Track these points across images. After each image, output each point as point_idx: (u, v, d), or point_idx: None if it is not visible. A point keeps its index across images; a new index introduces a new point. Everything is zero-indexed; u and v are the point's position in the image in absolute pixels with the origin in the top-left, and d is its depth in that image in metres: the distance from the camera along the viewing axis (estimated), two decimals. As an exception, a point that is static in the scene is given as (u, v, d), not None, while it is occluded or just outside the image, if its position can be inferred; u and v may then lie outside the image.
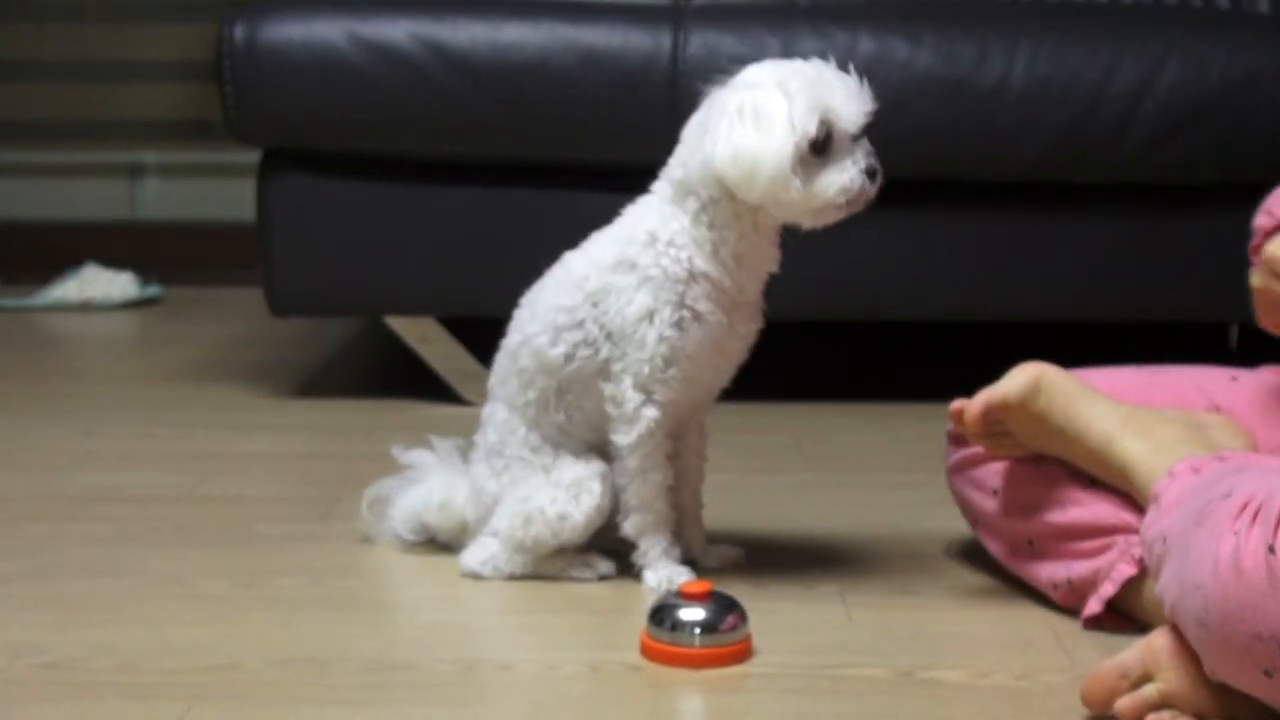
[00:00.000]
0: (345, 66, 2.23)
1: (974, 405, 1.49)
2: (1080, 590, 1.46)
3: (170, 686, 1.33)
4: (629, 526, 1.56)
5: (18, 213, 3.57)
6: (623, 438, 1.53)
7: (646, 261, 1.50)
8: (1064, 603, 1.49)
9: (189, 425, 2.26)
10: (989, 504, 1.56)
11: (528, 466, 1.57)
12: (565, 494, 1.54)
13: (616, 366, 1.52)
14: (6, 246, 3.50)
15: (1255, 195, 1.46)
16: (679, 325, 1.50)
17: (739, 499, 1.82)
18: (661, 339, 1.50)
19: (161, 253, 3.47)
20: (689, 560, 1.59)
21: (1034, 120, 2.20)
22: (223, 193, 3.50)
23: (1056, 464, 1.50)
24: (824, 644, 1.43)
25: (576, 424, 1.57)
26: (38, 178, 3.59)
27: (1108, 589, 1.42)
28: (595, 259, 1.54)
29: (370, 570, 1.64)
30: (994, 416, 1.49)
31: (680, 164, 1.51)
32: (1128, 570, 1.41)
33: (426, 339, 2.37)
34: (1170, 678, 1.21)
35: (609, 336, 1.52)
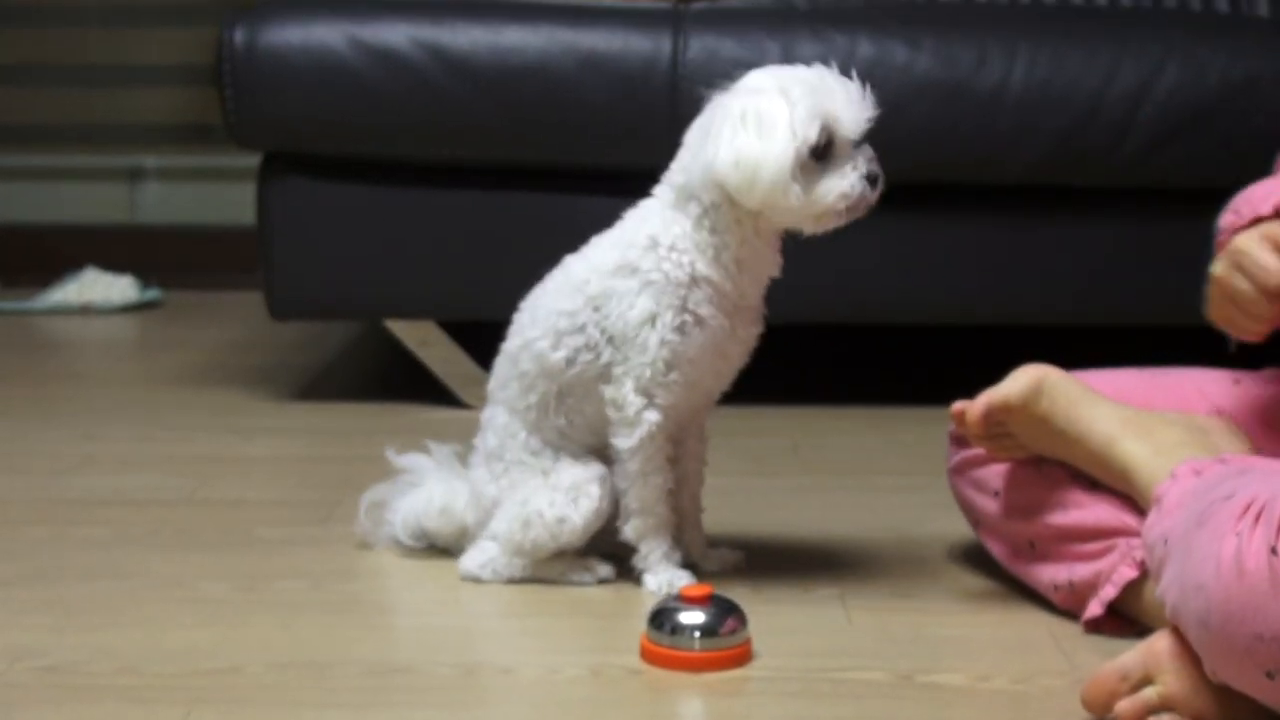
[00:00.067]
0: (345, 70, 2.23)
1: (976, 406, 1.49)
2: (1081, 592, 1.46)
3: (170, 690, 1.33)
4: (629, 530, 1.56)
5: (18, 216, 3.57)
6: (624, 441, 1.53)
7: (648, 266, 1.50)
8: (1064, 605, 1.49)
9: (189, 429, 2.26)
10: (990, 505, 1.56)
11: (527, 470, 1.57)
12: (564, 497, 1.54)
13: (618, 370, 1.52)
14: (6, 250, 3.50)
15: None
16: (681, 329, 1.50)
17: (738, 502, 1.82)
18: (663, 343, 1.50)
19: (161, 256, 3.47)
20: (689, 564, 1.60)
21: (1033, 124, 2.20)
22: (223, 196, 3.50)
23: (1058, 466, 1.50)
24: (824, 647, 1.43)
25: (577, 428, 1.57)
26: (38, 181, 3.59)
27: (1109, 591, 1.42)
28: (596, 263, 1.54)
29: (370, 574, 1.64)
30: (995, 418, 1.49)
31: (682, 168, 1.52)
32: (1129, 573, 1.41)
33: (426, 342, 2.38)
34: (1170, 680, 1.21)
35: (610, 340, 1.52)
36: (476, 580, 1.59)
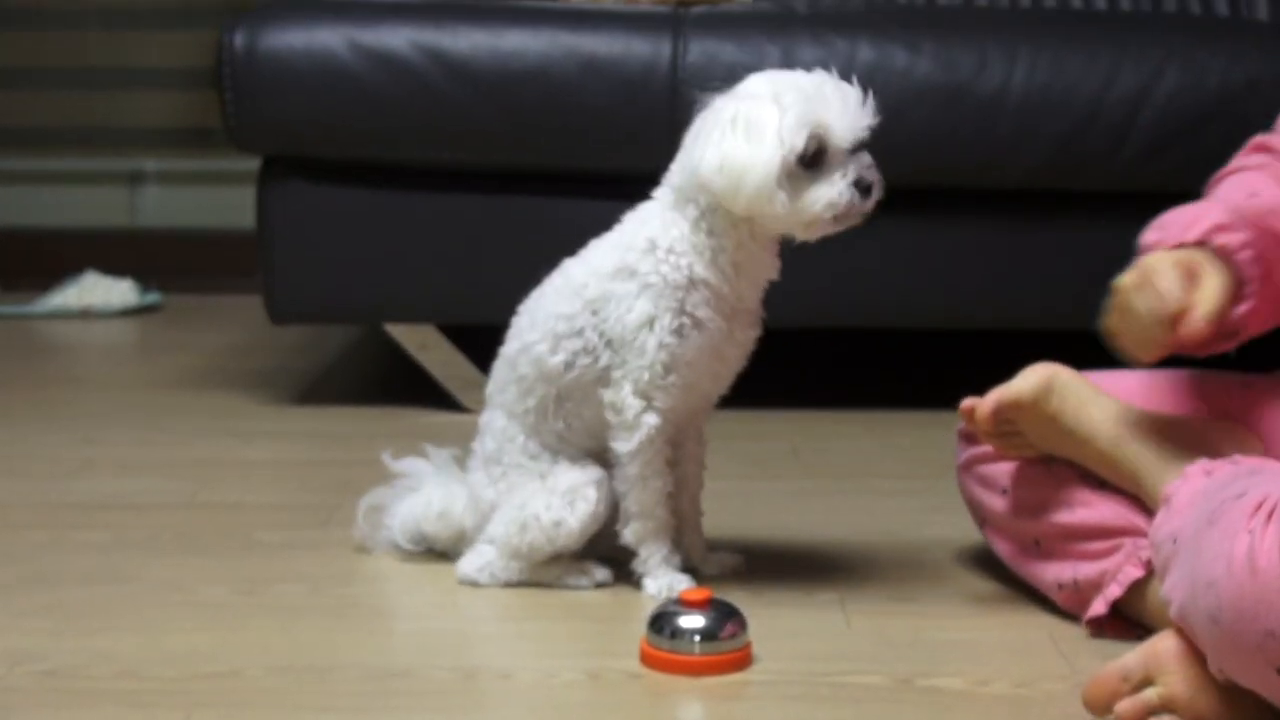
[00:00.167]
0: (346, 74, 2.23)
1: (985, 404, 1.49)
2: (1085, 592, 1.46)
3: (170, 694, 1.33)
4: (629, 534, 1.56)
5: (18, 220, 3.57)
6: (623, 445, 1.53)
7: (646, 268, 1.50)
8: (1067, 605, 1.49)
9: (189, 432, 2.26)
10: (998, 503, 1.56)
11: (525, 474, 1.57)
12: (560, 500, 1.54)
13: (617, 373, 1.52)
14: (6, 253, 3.50)
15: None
16: (679, 332, 1.50)
17: (738, 506, 1.82)
18: (661, 346, 1.50)
19: (161, 260, 3.47)
20: (688, 568, 1.59)
21: (1033, 128, 2.20)
22: (223, 200, 3.50)
23: (1066, 465, 1.50)
24: (823, 651, 1.43)
25: (575, 431, 1.57)
26: (38, 185, 3.59)
27: (1114, 590, 1.42)
28: (595, 266, 1.54)
29: (370, 577, 1.64)
30: (1005, 415, 1.49)
31: (679, 170, 1.52)
32: (1135, 572, 1.41)
33: (426, 346, 2.37)
34: (1172, 682, 1.21)
35: (609, 344, 1.52)
36: (474, 584, 1.59)
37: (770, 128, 1.43)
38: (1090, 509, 1.47)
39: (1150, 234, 1.43)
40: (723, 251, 1.50)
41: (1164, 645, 1.23)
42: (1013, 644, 1.46)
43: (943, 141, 2.21)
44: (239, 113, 2.25)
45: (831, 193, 1.45)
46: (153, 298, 3.29)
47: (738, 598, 1.45)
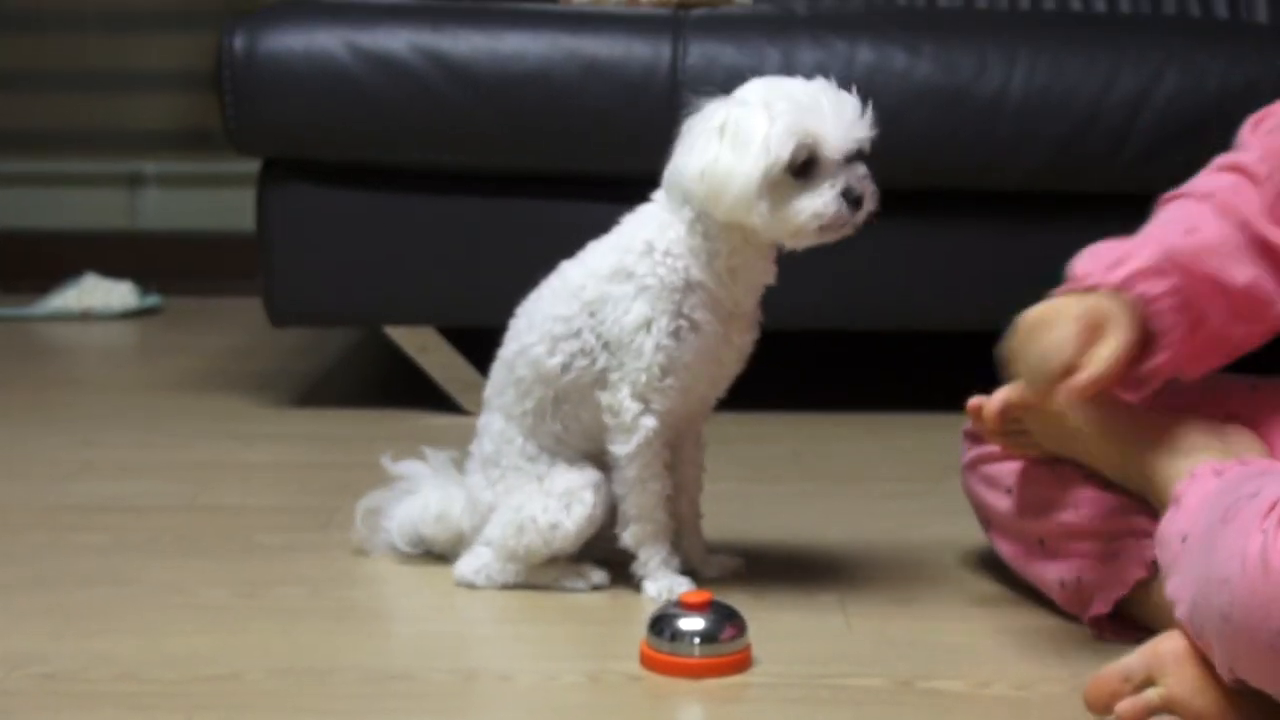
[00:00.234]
0: (345, 76, 2.23)
1: (992, 403, 1.49)
2: (1089, 591, 1.46)
3: (170, 696, 1.33)
4: (628, 537, 1.56)
5: (17, 222, 3.57)
6: (621, 448, 1.53)
7: (643, 271, 1.50)
8: (1069, 605, 1.49)
9: (189, 435, 2.25)
10: (1002, 502, 1.56)
11: (523, 476, 1.57)
12: (557, 503, 1.54)
13: (614, 376, 1.52)
14: (6, 256, 3.50)
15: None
16: (676, 335, 1.50)
17: (738, 509, 1.82)
18: (659, 348, 1.50)
19: (161, 262, 3.47)
20: (688, 570, 1.59)
21: (1033, 130, 2.20)
22: (222, 202, 3.50)
23: (1071, 464, 1.50)
24: (823, 653, 1.43)
25: (573, 434, 1.57)
26: (37, 187, 3.59)
27: (1118, 590, 1.42)
28: (592, 268, 1.54)
29: (370, 580, 1.64)
30: (1012, 415, 1.49)
31: (669, 174, 1.52)
32: (1139, 573, 1.41)
33: (426, 349, 2.37)
34: (1173, 683, 1.21)
35: (606, 346, 1.52)
36: (471, 586, 1.59)
37: (757, 136, 1.42)
38: (1095, 509, 1.47)
39: (1080, 263, 1.42)
40: (718, 255, 1.50)
41: (1166, 646, 1.23)
42: (1013, 646, 1.46)
43: (942, 143, 2.21)
44: (239, 115, 2.25)
45: (817, 203, 1.44)
46: (153, 300, 3.29)
47: (738, 600, 1.45)
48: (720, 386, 1.58)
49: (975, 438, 1.60)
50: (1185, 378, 1.42)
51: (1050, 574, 1.51)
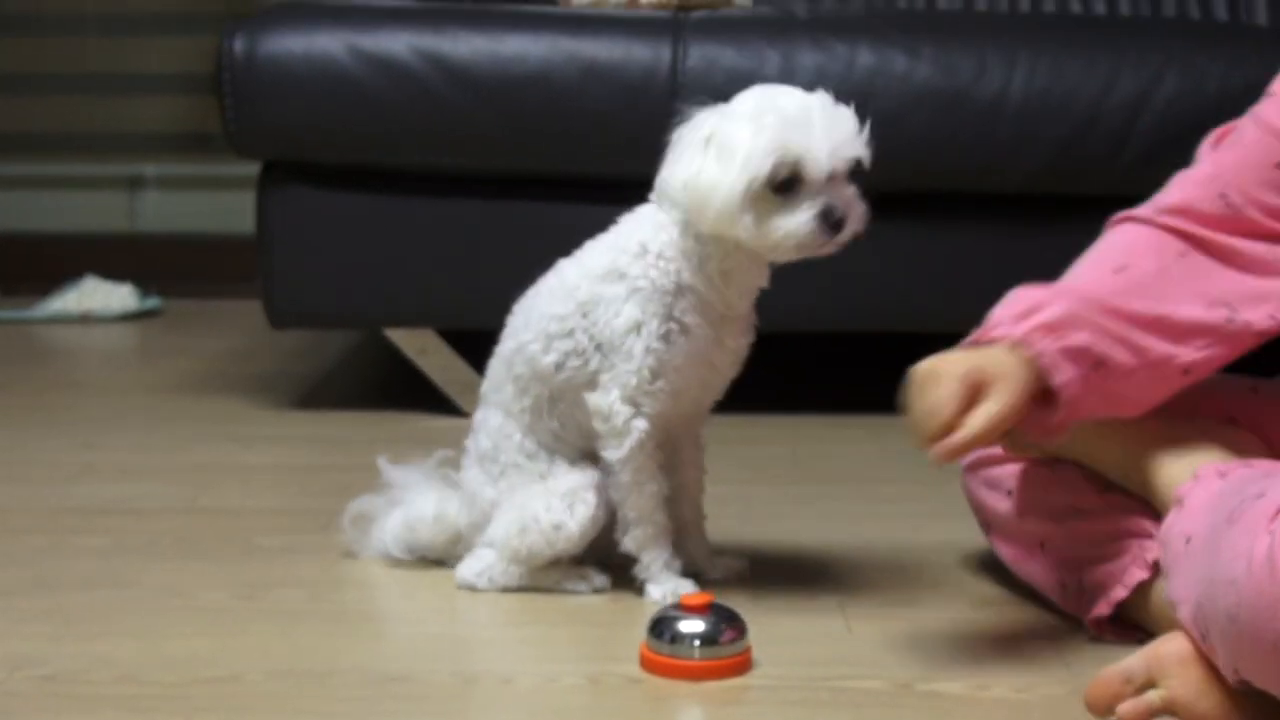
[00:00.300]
0: (345, 79, 2.23)
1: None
2: (1090, 593, 1.46)
3: (170, 699, 1.33)
4: (629, 541, 1.56)
5: (17, 225, 3.57)
6: (614, 453, 1.53)
7: (636, 273, 1.50)
8: (1071, 608, 1.49)
9: (188, 437, 2.26)
10: (1003, 505, 1.56)
11: (523, 473, 1.57)
12: (560, 503, 1.54)
13: (605, 377, 1.52)
14: (6, 258, 3.50)
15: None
16: (666, 338, 1.50)
17: (737, 511, 1.82)
18: (649, 351, 1.50)
19: (161, 265, 3.47)
20: (693, 573, 1.59)
21: (1033, 133, 2.20)
22: (222, 205, 3.51)
23: (1073, 467, 1.50)
24: (823, 656, 1.43)
25: (570, 431, 1.57)
26: (38, 190, 3.59)
27: (1119, 592, 1.42)
28: (587, 268, 1.54)
29: (369, 582, 1.64)
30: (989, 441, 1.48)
31: (659, 180, 1.51)
32: (1140, 574, 1.41)
33: (425, 351, 2.37)
34: (1175, 685, 1.21)
35: (599, 348, 1.52)
36: (472, 589, 1.59)
37: (741, 150, 1.41)
38: (1096, 511, 1.47)
39: (997, 308, 1.42)
40: (710, 259, 1.49)
41: (1167, 648, 1.23)
42: (1013, 648, 1.45)
43: (942, 146, 2.21)
44: (239, 118, 2.25)
45: (792, 223, 1.43)
46: (152, 303, 3.29)
47: (738, 602, 1.45)
48: (714, 390, 1.57)
49: None
50: (1124, 415, 1.42)
51: (1051, 576, 1.51)
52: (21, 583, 1.62)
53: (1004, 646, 1.46)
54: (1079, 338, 1.36)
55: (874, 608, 1.55)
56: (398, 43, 2.23)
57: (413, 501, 1.66)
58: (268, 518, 1.86)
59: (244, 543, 1.76)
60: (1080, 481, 1.49)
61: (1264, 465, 1.32)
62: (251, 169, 2.37)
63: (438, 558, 1.66)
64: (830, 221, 1.43)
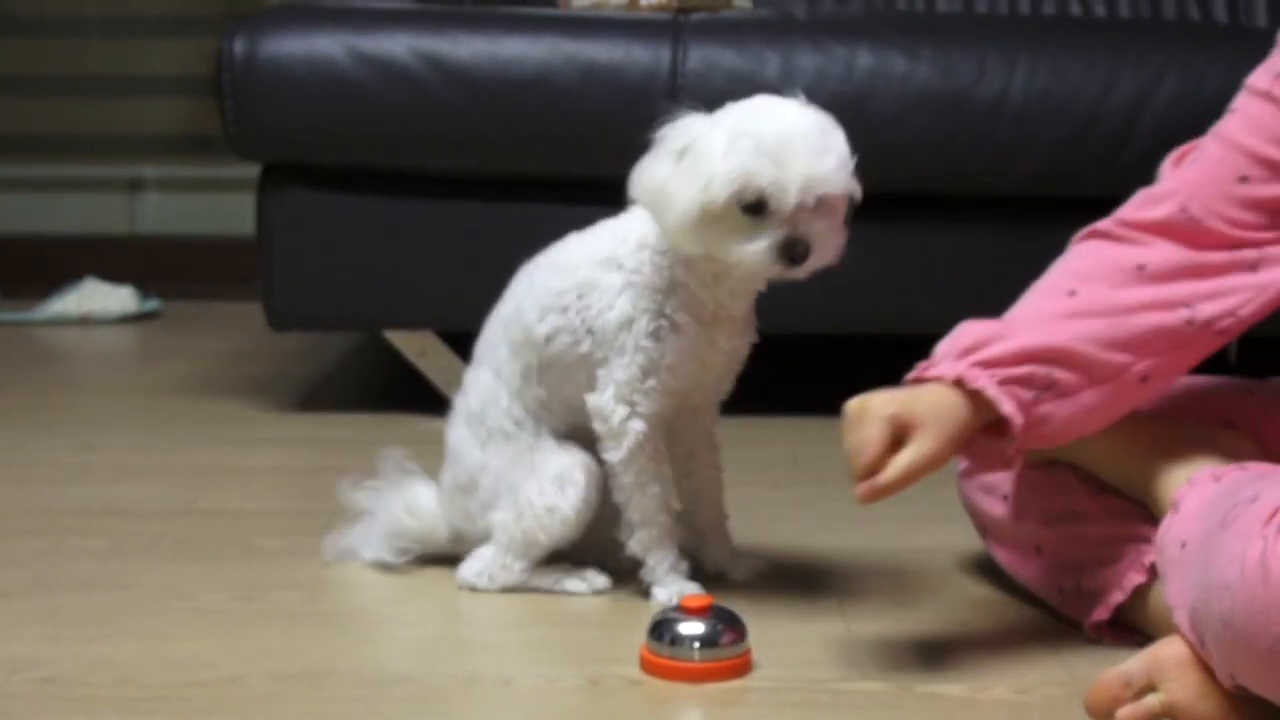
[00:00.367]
0: (345, 81, 2.23)
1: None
2: (1087, 597, 1.46)
3: (169, 701, 1.33)
4: (634, 544, 1.56)
5: (17, 227, 3.57)
6: (613, 454, 1.53)
7: (632, 265, 1.50)
8: (1069, 611, 1.49)
9: (188, 439, 2.26)
10: (999, 510, 1.56)
11: (511, 443, 1.57)
12: (551, 486, 1.54)
13: (600, 372, 1.52)
14: (6, 260, 3.51)
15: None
16: (656, 335, 1.50)
17: (738, 513, 1.81)
18: (639, 349, 1.50)
19: (161, 267, 3.47)
20: (716, 574, 1.60)
21: (1032, 134, 2.20)
22: (222, 207, 3.51)
23: (1069, 470, 1.50)
24: (823, 658, 1.43)
25: (556, 403, 1.57)
26: (38, 192, 3.59)
27: (1116, 596, 1.42)
28: (590, 250, 1.54)
29: (369, 584, 1.64)
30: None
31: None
32: (1137, 578, 1.41)
33: (425, 353, 2.37)
34: (1174, 689, 1.21)
35: (590, 332, 1.53)
36: (474, 589, 1.59)
37: (706, 170, 1.39)
38: (1093, 515, 1.47)
39: (942, 343, 1.42)
40: (699, 259, 1.48)
41: (1166, 652, 1.23)
42: (1013, 650, 1.45)
43: (942, 148, 2.21)
44: (239, 120, 2.25)
45: (748, 250, 1.41)
46: (152, 304, 3.29)
47: (738, 604, 1.45)
48: (710, 390, 1.57)
49: None
50: (1087, 433, 1.42)
51: (1048, 580, 1.51)
52: (21, 584, 1.62)
53: (1004, 648, 1.46)
54: (1022, 369, 1.36)
55: (874, 610, 1.55)
56: (397, 45, 2.23)
57: (383, 510, 1.66)
58: (267, 519, 1.86)
59: (244, 544, 1.76)
60: (1076, 485, 1.49)
61: (1259, 467, 1.32)
62: (251, 171, 2.37)
63: (425, 546, 1.65)
64: (788, 255, 1.41)
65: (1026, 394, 1.36)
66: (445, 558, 1.65)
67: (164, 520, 1.85)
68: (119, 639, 1.47)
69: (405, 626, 1.58)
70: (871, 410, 1.33)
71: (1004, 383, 1.35)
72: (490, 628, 1.55)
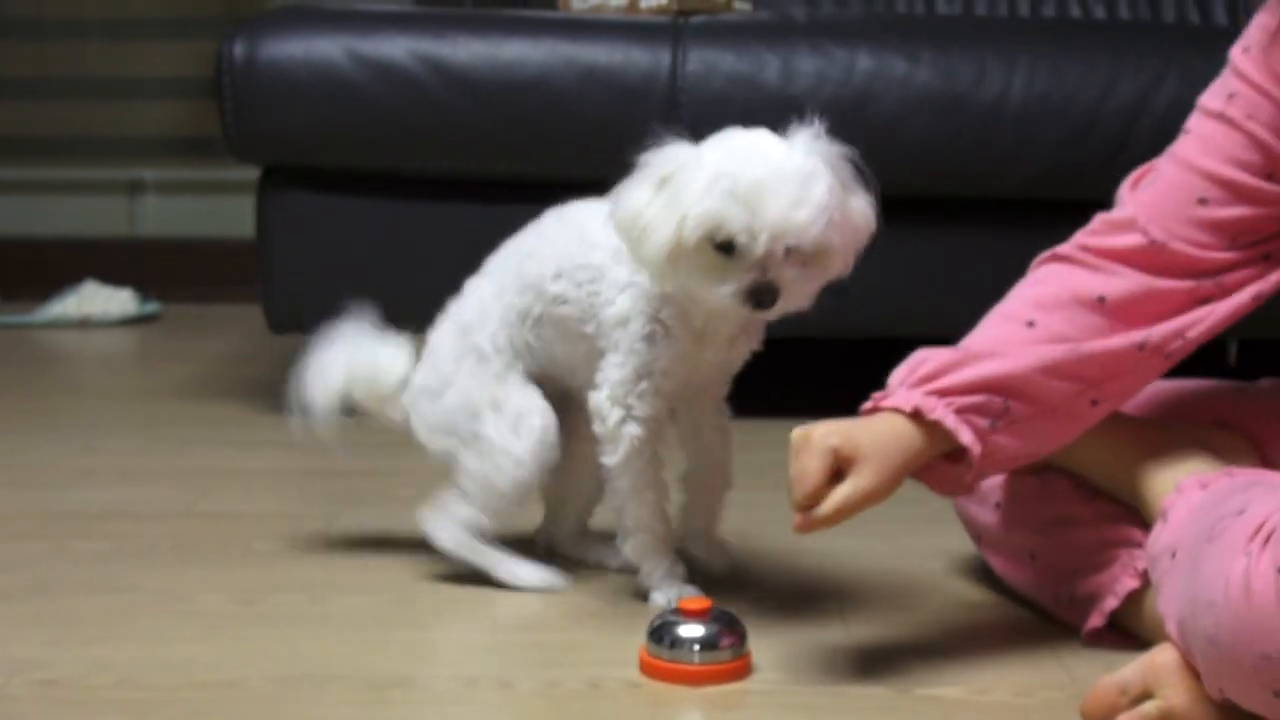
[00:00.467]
0: (345, 84, 2.23)
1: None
2: (1082, 604, 1.46)
3: (169, 703, 1.33)
4: (629, 550, 1.56)
5: (17, 229, 3.57)
6: (610, 458, 1.53)
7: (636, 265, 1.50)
8: (1065, 618, 1.49)
9: (188, 442, 2.26)
10: (991, 518, 1.56)
11: (483, 364, 1.59)
12: (507, 424, 1.56)
13: (598, 376, 1.52)
14: (6, 263, 3.51)
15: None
16: (650, 338, 1.50)
17: (738, 515, 1.82)
18: (632, 350, 1.50)
19: (161, 269, 3.47)
20: (691, 552, 1.62)
21: (1032, 137, 2.20)
22: (222, 210, 3.51)
23: (1060, 477, 1.50)
24: (823, 661, 1.43)
25: (538, 353, 1.59)
26: (37, 194, 3.60)
27: (1110, 602, 1.42)
28: (610, 235, 1.49)
29: (369, 587, 1.64)
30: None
31: None
32: (1131, 583, 1.41)
33: (425, 355, 2.37)
34: (1171, 695, 1.21)
35: (594, 318, 1.53)
36: (435, 544, 1.61)
37: (682, 205, 1.38)
38: (1085, 521, 1.47)
39: (897, 371, 1.42)
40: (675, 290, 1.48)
41: (1163, 658, 1.23)
42: (1012, 652, 1.45)
43: (942, 150, 2.21)
44: (238, 122, 2.25)
45: (715, 290, 1.40)
46: (152, 307, 3.29)
47: (738, 607, 1.45)
48: (704, 391, 1.57)
49: None
50: (1043, 455, 1.43)
51: (1043, 587, 1.51)
52: (20, 587, 1.62)
53: (1003, 651, 1.46)
54: (978, 398, 1.36)
55: (874, 612, 1.55)
56: (397, 47, 2.23)
57: (354, 347, 1.70)
58: (267, 522, 1.86)
59: (243, 547, 1.76)
60: (1068, 490, 1.49)
61: (1248, 475, 1.32)
62: (251, 173, 2.37)
63: (377, 420, 1.68)
64: (755, 300, 1.39)
65: (983, 422, 1.36)
66: (443, 561, 1.65)
67: (164, 523, 1.85)
68: (119, 641, 1.47)
69: (405, 629, 1.58)
70: (814, 441, 1.33)
71: (961, 411, 1.36)
72: (489, 630, 1.55)
